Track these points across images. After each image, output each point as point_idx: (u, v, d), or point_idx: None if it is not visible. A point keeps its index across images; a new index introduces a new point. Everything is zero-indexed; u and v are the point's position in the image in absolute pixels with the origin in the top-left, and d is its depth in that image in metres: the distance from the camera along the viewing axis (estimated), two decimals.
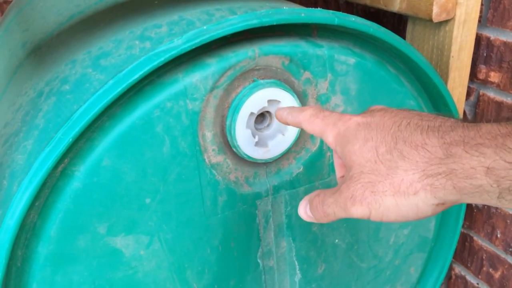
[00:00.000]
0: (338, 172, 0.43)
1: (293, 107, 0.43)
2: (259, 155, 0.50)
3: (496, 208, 0.72)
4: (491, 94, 0.68)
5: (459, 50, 0.63)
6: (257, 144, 0.49)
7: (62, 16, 0.66)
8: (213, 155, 0.49)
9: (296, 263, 0.59)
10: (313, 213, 0.38)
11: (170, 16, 0.51)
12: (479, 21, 0.65)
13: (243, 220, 0.53)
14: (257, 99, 0.47)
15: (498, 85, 0.66)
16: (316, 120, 0.39)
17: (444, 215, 0.70)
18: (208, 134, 0.48)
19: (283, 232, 0.56)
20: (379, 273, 0.67)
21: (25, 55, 0.63)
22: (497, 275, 0.75)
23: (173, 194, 0.48)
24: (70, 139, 0.40)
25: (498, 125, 0.29)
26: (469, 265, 0.80)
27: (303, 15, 0.46)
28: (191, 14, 0.51)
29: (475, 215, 0.76)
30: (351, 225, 0.61)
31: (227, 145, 0.49)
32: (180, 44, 0.42)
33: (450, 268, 0.84)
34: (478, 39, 0.66)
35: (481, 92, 0.69)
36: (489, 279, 0.77)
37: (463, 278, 0.82)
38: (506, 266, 0.73)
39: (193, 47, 0.42)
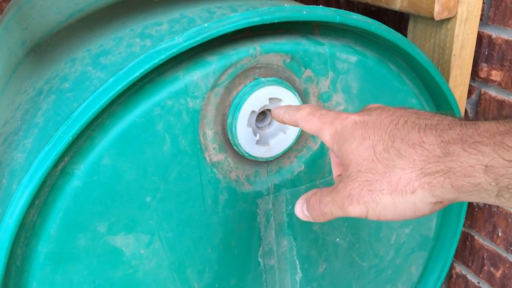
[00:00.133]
0: (335, 171, 0.43)
1: (290, 106, 0.42)
2: (260, 154, 0.50)
3: (497, 207, 0.72)
4: (493, 92, 0.67)
5: (460, 48, 0.62)
6: (258, 142, 0.49)
7: (62, 14, 0.65)
8: (214, 154, 0.48)
9: (297, 262, 0.59)
10: (309, 212, 0.38)
11: (171, 14, 0.51)
12: (481, 19, 0.65)
13: (244, 218, 0.53)
14: (258, 97, 0.47)
15: (499, 84, 0.66)
16: (313, 118, 0.38)
17: (445, 214, 0.70)
18: (209, 133, 0.47)
19: (284, 231, 0.56)
20: (380, 272, 0.67)
21: (24, 54, 0.63)
22: (498, 274, 0.75)
23: (173, 192, 0.47)
24: (70, 138, 0.40)
25: (497, 123, 0.29)
26: (470, 264, 0.80)
27: (304, 12, 0.46)
28: (192, 11, 0.50)
29: (476, 214, 0.76)
30: (352, 224, 0.61)
31: (228, 143, 0.49)
32: (181, 41, 0.42)
33: (451, 267, 0.84)
34: (480, 38, 0.66)
35: (482, 90, 0.69)
36: (490, 278, 0.76)
37: (464, 277, 0.82)
38: (507, 265, 0.73)
39: (194, 44, 0.42)
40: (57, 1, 0.70)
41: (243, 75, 0.47)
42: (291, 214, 0.56)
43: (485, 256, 0.76)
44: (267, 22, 0.44)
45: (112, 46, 0.49)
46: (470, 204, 0.76)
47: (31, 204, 0.41)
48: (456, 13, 0.60)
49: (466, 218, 0.77)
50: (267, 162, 0.52)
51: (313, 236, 0.58)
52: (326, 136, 0.37)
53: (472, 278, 0.80)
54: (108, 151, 0.43)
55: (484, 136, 0.29)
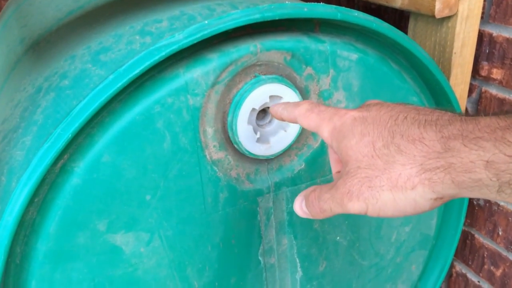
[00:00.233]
0: (334, 168, 0.42)
1: (288, 103, 0.42)
2: (261, 152, 0.49)
3: (498, 206, 0.71)
4: (493, 91, 0.67)
5: (461, 46, 0.62)
6: (258, 140, 0.49)
7: (61, 11, 0.65)
8: (214, 152, 0.48)
9: (297, 261, 0.59)
10: (308, 209, 0.38)
11: (171, 11, 0.50)
12: (482, 17, 0.64)
13: (244, 217, 0.52)
14: (259, 95, 0.47)
15: (500, 82, 0.66)
16: (312, 115, 0.38)
17: (445, 212, 0.70)
18: (209, 130, 0.47)
19: (284, 229, 0.56)
20: (380, 270, 0.67)
21: (23, 51, 0.63)
22: (498, 273, 0.75)
23: (173, 190, 0.47)
24: (70, 135, 0.40)
25: (497, 118, 0.29)
26: (470, 263, 0.80)
27: (305, 9, 0.45)
28: (192, 8, 0.50)
29: (476, 213, 0.75)
30: (352, 223, 0.61)
31: (229, 141, 0.49)
32: (181, 39, 0.42)
33: (451, 266, 0.84)
34: (481, 36, 0.66)
35: (483, 89, 0.69)
36: (490, 277, 0.76)
37: (464, 276, 0.82)
38: (507, 264, 0.73)
39: (194, 42, 0.42)
40: None
41: (244, 73, 0.47)
42: (292, 213, 0.55)
43: (485, 255, 0.76)
44: (268, 19, 0.44)
45: (112, 43, 0.49)
46: (470, 203, 0.76)
47: (30, 202, 0.41)
48: (457, 11, 0.60)
49: (466, 216, 0.77)
50: (267, 160, 0.52)
51: (313, 234, 0.58)
52: (325, 132, 0.37)
53: (472, 277, 0.80)
54: (108, 149, 0.43)
55: (485, 131, 0.28)
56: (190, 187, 0.48)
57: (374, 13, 0.82)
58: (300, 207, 0.38)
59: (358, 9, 0.85)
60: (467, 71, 0.65)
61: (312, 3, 0.48)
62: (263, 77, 0.47)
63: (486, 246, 0.76)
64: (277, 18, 0.45)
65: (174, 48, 0.41)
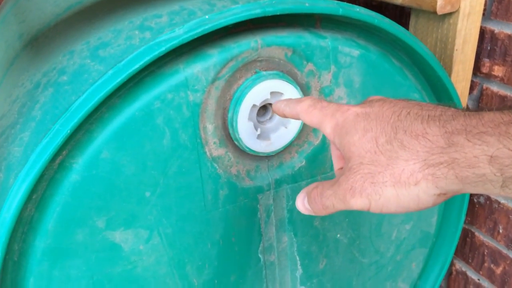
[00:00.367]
0: (336, 164, 0.42)
1: (290, 99, 0.42)
2: (261, 148, 0.49)
3: (499, 203, 0.71)
4: (495, 88, 0.67)
5: (463, 43, 0.62)
6: (259, 137, 0.49)
7: (59, 7, 0.64)
8: (214, 148, 0.48)
9: (298, 258, 0.58)
10: (311, 205, 0.37)
11: (171, 6, 0.50)
12: (483, 14, 0.64)
13: (244, 214, 0.52)
14: (260, 91, 0.46)
15: (502, 79, 0.65)
16: (314, 110, 0.38)
17: (446, 210, 0.70)
18: (210, 127, 0.47)
19: (285, 226, 0.56)
20: (380, 268, 0.66)
21: (21, 46, 0.62)
22: (498, 271, 0.74)
23: (173, 187, 0.47)
24: (68, 131, 0.39)
25: (501, 113, 0.28)
26: (470, 261, 0.79)
27: (307, 5, 0.45)
28: (192, 3, 0.50)
29: (476, 211, 0.75)
30: (353, 220, 0.60)
31: (229, 138, 0.48)
32: (181, 34, 0.41)
33: (451, 264, 0.84)
34: (482, 32, 0.65)
35: (484, 86, 0.68)
36: (490, 275, 0.76)
37: (463, 274, 0.81)
38: (508, 262, 0.72)
39: (195, 37, 0.41)
40: None
41: (244, 69, 0.47)
42: (292, 210, 0.55)
43: (485, 253, 0.76)
44: (269, 14, 0.44)
45: (111, 39, 0.48)
46: (470, 201, 0.75)
47: (29, 199, 0.41)
48: (459, 7, 0.59)
49: (467, 214, 0.77)
50: (268, 157, 0.52)
51: (313, 232, 0.58)
52: (327, 128, 0.36)
53: (472, 274, 0.80)
54: (107, 145, 0.43)
55: (489, 126, 0.28)
56: (190, 184, 0.48)
57: (374, 9, 0.82)
58: (302, 203, 0.38)
59: (359, 5, 0.85)
60: (468, 68, 0.65)
61: None
62: (264, 73, 0.47)
63: (487, 244, 0.75)
64: (278, 13, 0.44)
65: (174, 43, 0.41)
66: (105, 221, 0.45)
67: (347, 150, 0.34)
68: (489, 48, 0.65)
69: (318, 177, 0.55)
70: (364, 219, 0.61)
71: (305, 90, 0.50)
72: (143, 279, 0.49)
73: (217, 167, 0.48)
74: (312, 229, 0.58)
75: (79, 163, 0.42)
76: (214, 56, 0.45)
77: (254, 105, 0.47)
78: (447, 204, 0.69)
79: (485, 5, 0.63)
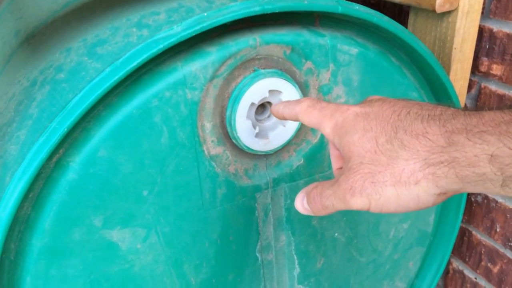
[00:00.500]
0: (335, 164, 0.42)
1: (289, 101, 0.42)
2: (259, 147, 0.49)
3: (496, 202, 0.71)
4: (493, 87, 0.67)
5: (461, 42, 0.62)
6: (257, 135, 0.48)
7: (57, 3, 0.64)
8: (212, 147, 0.47)
9: (295, 257, 0.58)
10: (310, 205, 0.37)
11: (169, 3, 0.50)
12: (482, 12, 0.64)
13: (242, 213, 0.52)
14: (258, 89, 0.46)
15: (500, 78, 0.65)
16: (313, 111, 0.38)
17: (443, 209, 0.70)
18: (208, 125, 0.46)
19: (283, 225, 0.55)
20: (378, 267, 0.66)
21: (18, 44, 0.62)
22: (495, 269, 0.75)
23: (171, 186, 0.46)
24: (65, 129, 0.39)
25: (501, 112, 0.28)
26: (467, 259, 0.79)
27: (306, 2, 0.45)
28: (191, 1, 0.49)
29: (474, 209, 0.75)
30: (351, 219, 0.60)
31: (227, 136, 0.48)
32: (179, 31, 0.41)
33: (448, 263, 0.84)
34: (481, 31, 0.65)
35: (482, 85, 0.68)
36: (487, 273, 0.76)
37: (460, 272, 0.81)
38: (505, 261, 0.72)
39: (193, 34, 0.41)
40: None
41: (243, 67, 0.46)
42: (290, 209, 0.55)
43: (482, 252, 0.76)
44: (268, 12, 0.43)
45: (108, 36, 0.48)
46: (468, 199, 0.75)
47: (25, 197, 0.40)
48: (458, 5, 0.59)
49: (464, 213, 0.77)
50: (266, 155, 0.51)
51: (311, 231, 0.58)
52: (327, 128, 0.36)
53: (469, 273, 0.80)
54: (104, 143, 0.42)
55: (489, 125, 0.28)
56: (188, 183, 0.47)
57: (373, 7, 0.81)
58: (301, 204, 0.38)
59: (358, 3, 0.85)
60: (467, 66, 0.65)
61: None
62: (262, 71, 0.47)
63: (484, 242, 0.75)
64: (277, 11, 0.44)
65: (172, 40, 0.40)
66: (102, 220, 0.44)
67: (347, 150, 0.34)
68: (487, 46, 0.65)
69: (316, 175, 0.55)
70: (362, 218, 0.61)
71: (303, 88, 0.50)
72: (140, 278, 0.49)
73: (215, 166, 0.48)
74: (310, 228, 0.58)
75: (76, 162, 0.42)
76: (212, 54, 0.44)
77: (252, 104, 0.47)
78: (445, 203, 0.69)
79: (484, 3, 0.63)
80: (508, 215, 0.70)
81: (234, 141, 0.48)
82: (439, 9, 0.58)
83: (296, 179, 0.54)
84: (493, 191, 0.29)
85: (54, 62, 0.49)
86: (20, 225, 0.42)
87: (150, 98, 0.43)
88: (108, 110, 0.42)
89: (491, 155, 0.27)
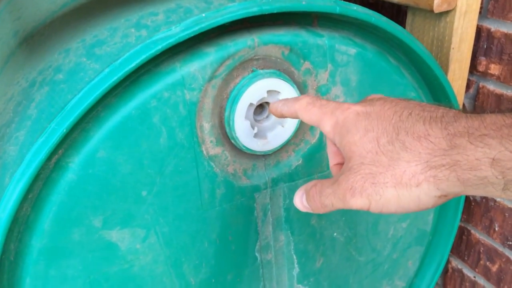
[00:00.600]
0: (332, 160, 0.42)
1: (287, 98, 0.41)
2: (258, 147, 0.49)
3: (495, 201, 0.71)
4: (491, 86, 0.67)
5: (459, 41, 0.62)
6: (256, 135, 0.48)
7: (55, 4, 0.64)
8: (211, 147, 0.48)
9: (294, 257, 0.58)
10: (309, 203, 0.37)
11: (167, 4, 0.50)
12: (480, 12, 0.64)
13: (241, 213, 0.52)
14: (256, 90, 0.46)
15: (498, 78, 0.65)
16: (313, 108, 0.37)
17: (442, 208, 0.70)
18: (206, 125, 0.47)
19: (282, 225, 0.55)
20: (377, 266, 0.67)
21: (17, 44, 0.62)
22: (494, 268, 0.75)
23: (170, 186, 0.47)
24: (64, 130, 0.39)
25: (503, 116, 0.28)
26: (466, 258, 0.80)
27: (304, 3, 0.45)
28: (189, 1, 0.49)
29: (472, 209, 0.75)
30: (350, 219, 0.60)
31: (226, 136, 0.48)
32: (178, 32, 0.41)
33: (447, 262, 0.84)
34: (479, 31, 0.65)
35: (480, 84, 0.68)
36: (486, 272, 0.76)
37: (459, 271, 0.82)
38: (503, 260, 0.73)
39: (191, 35, 0.41)
40: None
41: (241, 67, 0.46)
42: (289, 209, 0.55)
43: (481, 251, 0.76)
44: (266, 13, 0.44)
45: (107, 37, 0.48)
46: (466, 199, 0.76)
47: (24, 198, 0.40)
48: (456, 5, 0.59)
49: (463, 212, 0.77)
50: (264, 155, 0.52)
51: (310, 230, 0.58)
52: (327, 126, 0.36)
53: (468, 272, 0.80)
54: (103, 144, 0.42)
55: (491, 128, 0.28)
56: (187, 183, 0.47)
57: (371, 7, 0.81)
58: (300, 201, 0.38)
59: (356, 3, 0.85)
60: (465, 66, 0.65)
61: None
62: (261, 71, 0.47)
63: (482, 241, 0.76)
64: (275, 12, 0.44)
65: (171, 41, 0.41)
66: (102, 220, 0.44)
67: (348, 150, 0.34)
68: (485, 46, 0.65)
69: (315, 175, 0.55)
70: (361, 218, 0.61)
71: (302, 88, 0.50)
72: (140, 278, 0.49)
73: (214, 166, 0.48)
74: (309, 228, 0.58)
75: (75, 162, 0.42)
76: (211, 55, 0.44)
77: (251, 104, 0.47)
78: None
79: (481, 3, 0.63)
80: (506, 214, 0.70)
81: (232, 141, 0.48)
82: (437, 9, 0.58)
83: (295, 179, 0.54)
84: (495, 194, 0.29)
85: (52, 62, 0.49)
86: (19, 226, 0.42)
87: (148, 98, 0.43)
88: (107, 111, 0.42)
89: (493, 159, 0.27)
